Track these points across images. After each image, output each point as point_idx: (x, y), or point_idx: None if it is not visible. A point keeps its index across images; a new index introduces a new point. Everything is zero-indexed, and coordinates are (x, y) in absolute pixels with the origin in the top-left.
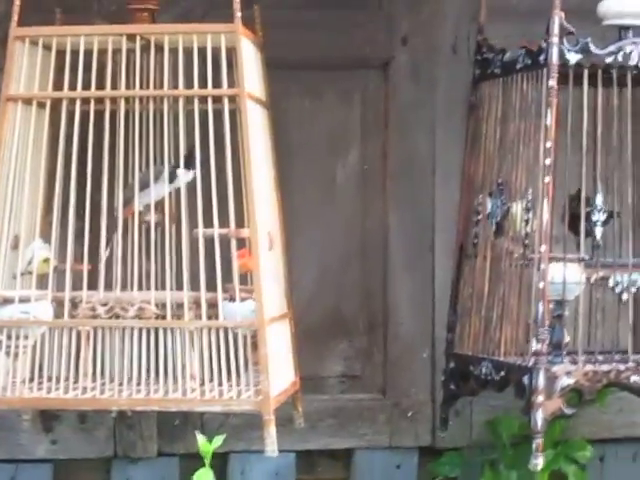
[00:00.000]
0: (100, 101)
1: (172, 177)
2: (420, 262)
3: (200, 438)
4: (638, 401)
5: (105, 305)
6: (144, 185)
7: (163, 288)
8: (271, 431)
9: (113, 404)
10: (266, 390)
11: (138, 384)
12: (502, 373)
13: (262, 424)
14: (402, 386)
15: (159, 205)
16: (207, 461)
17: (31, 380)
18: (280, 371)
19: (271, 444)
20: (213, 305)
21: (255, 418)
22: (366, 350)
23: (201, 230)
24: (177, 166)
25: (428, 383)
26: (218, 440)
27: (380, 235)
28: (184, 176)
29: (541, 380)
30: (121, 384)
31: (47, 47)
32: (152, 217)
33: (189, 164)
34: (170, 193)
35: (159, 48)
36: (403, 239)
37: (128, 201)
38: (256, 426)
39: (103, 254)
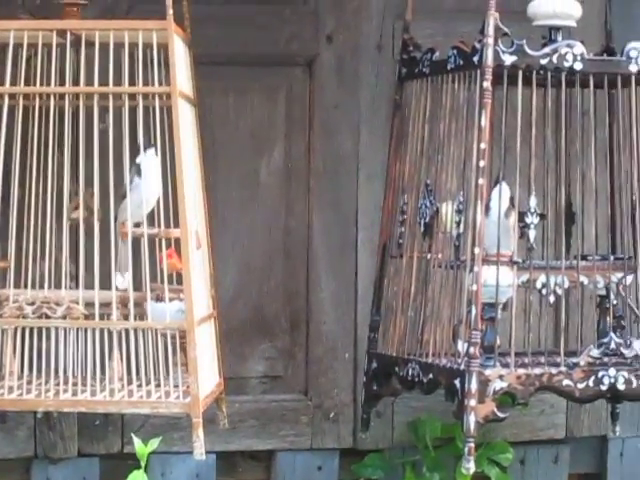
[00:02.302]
0: (28, 97)
1: (137, 169)
2: (343, 261)
3: (136, 441)
4: (559, 403)
5: (32, 304)
6: (123, 196)
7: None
8: (200, 434)
9: (40, 405)
10: (195, 392)
11: (65, 384)
12: (430, 375)
13: (191, 426)
14: (324, 387)
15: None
16: (143, 463)
17: None
18: (207, 373)
19: (199, 447)
20: (139, 305)
21: (175, 419)
22: (288, 350)
23: (130, 229)
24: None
25: (350, 384)
26: (154, 443)
27: (303, 234)
28: (147, 158)
29: (474, 383)
30: (48, 384)
31: None
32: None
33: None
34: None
35: (89, 44)
36: (326, 238)
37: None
38: (177, 427)
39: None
